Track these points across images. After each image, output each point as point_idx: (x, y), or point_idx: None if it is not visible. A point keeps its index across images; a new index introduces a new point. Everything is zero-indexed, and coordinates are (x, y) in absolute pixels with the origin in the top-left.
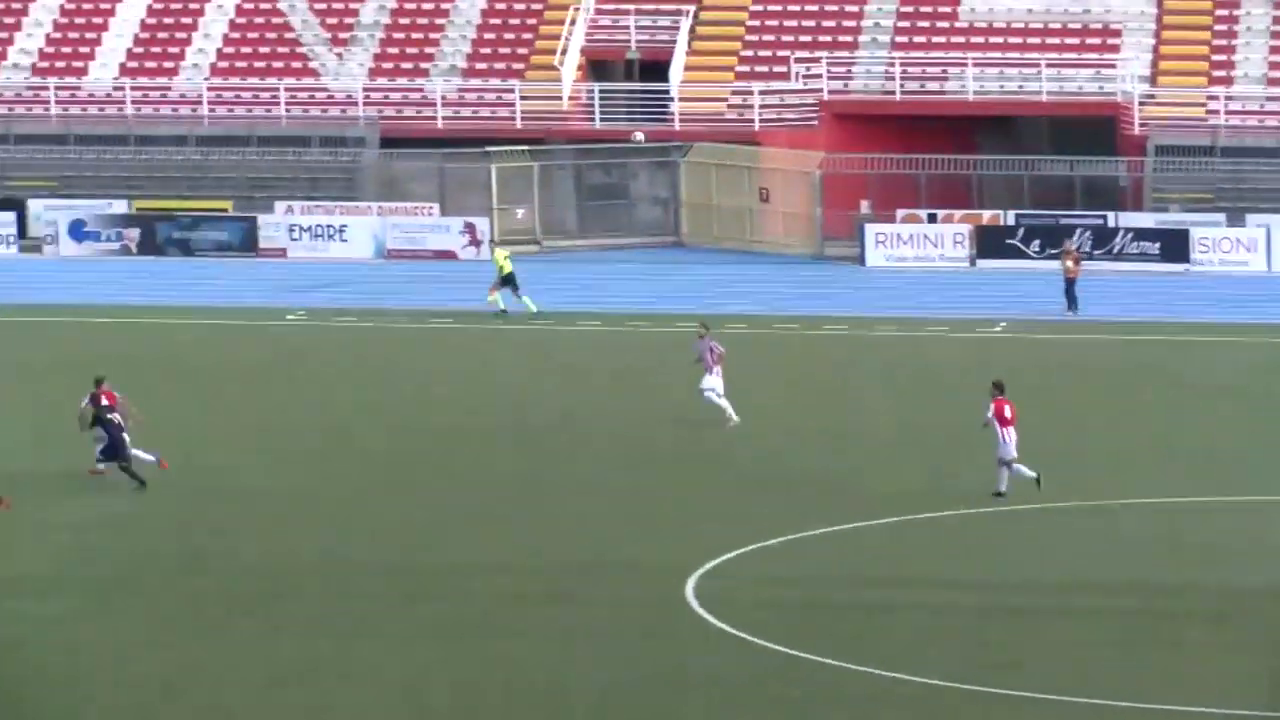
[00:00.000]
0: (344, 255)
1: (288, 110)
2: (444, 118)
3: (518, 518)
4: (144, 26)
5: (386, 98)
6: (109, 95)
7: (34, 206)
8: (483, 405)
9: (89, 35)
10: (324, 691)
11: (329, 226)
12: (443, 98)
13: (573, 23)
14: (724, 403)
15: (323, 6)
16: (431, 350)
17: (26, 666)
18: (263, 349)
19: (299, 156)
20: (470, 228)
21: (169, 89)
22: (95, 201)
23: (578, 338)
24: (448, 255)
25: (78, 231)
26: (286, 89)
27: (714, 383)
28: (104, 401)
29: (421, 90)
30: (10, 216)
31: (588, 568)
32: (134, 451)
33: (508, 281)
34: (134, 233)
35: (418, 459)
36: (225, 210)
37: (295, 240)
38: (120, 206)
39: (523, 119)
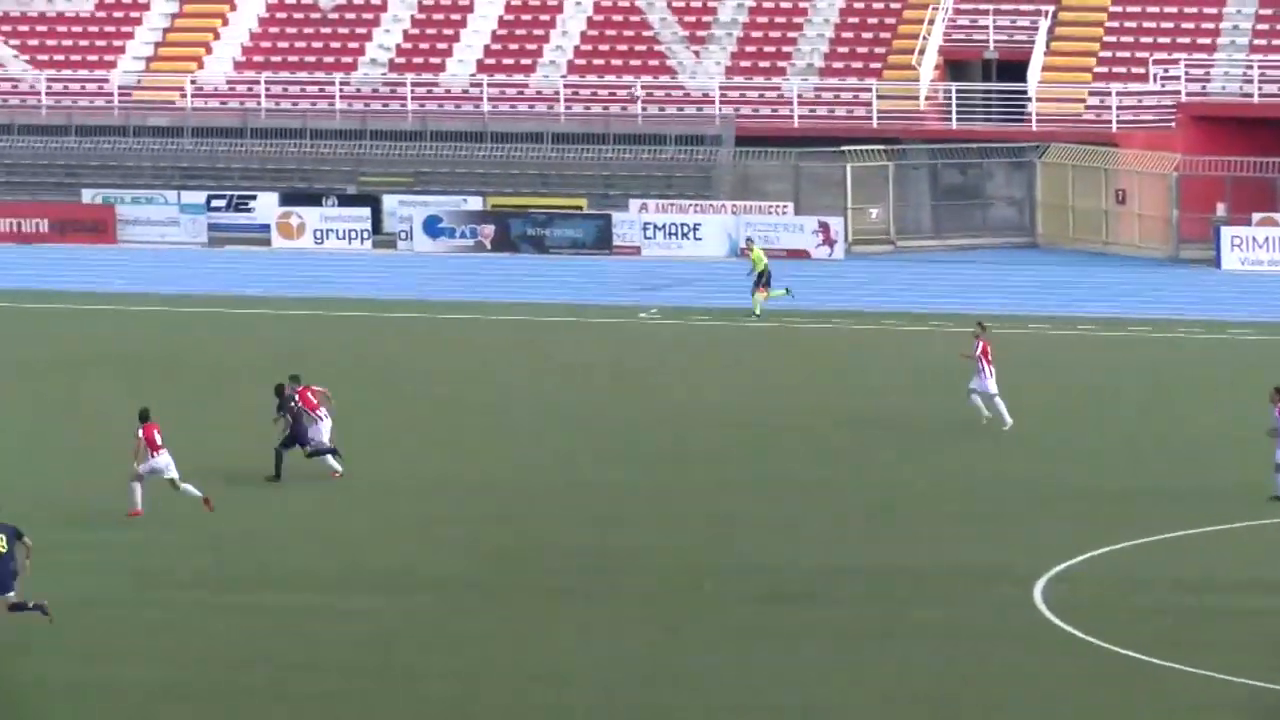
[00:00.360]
0: (697, 254)
1: (644, 108)
2: (800, 116)
3: (872, 520)
4: (501, 23)
5: (743, 96)
6: (465, 92)
7: (389, 202)
8: (828, 403)
9: (446, 32)
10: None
11: (683, 224)
12: (799, 97)
13: (931, 22)
14: (994, 404)
15: (681, 4)
16: (780, 348)
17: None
18: (614, 347)
19: (654, 155)
20: (824, 227)
21: (526, 86)
22: (449, 198)
23: (929, 338)
24: (801, 254)
25: (432, 227)
26: (643, 87)
27: (983, 383)
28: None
29: (778, 89)
30: (365, 212)
31: (938, 570)
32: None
33: (762, 278)
34: (489, 229)
35: (768, 456)
36: (579, 208)
37: (649, 238)
38: (475, 203)
39: (879, 118)
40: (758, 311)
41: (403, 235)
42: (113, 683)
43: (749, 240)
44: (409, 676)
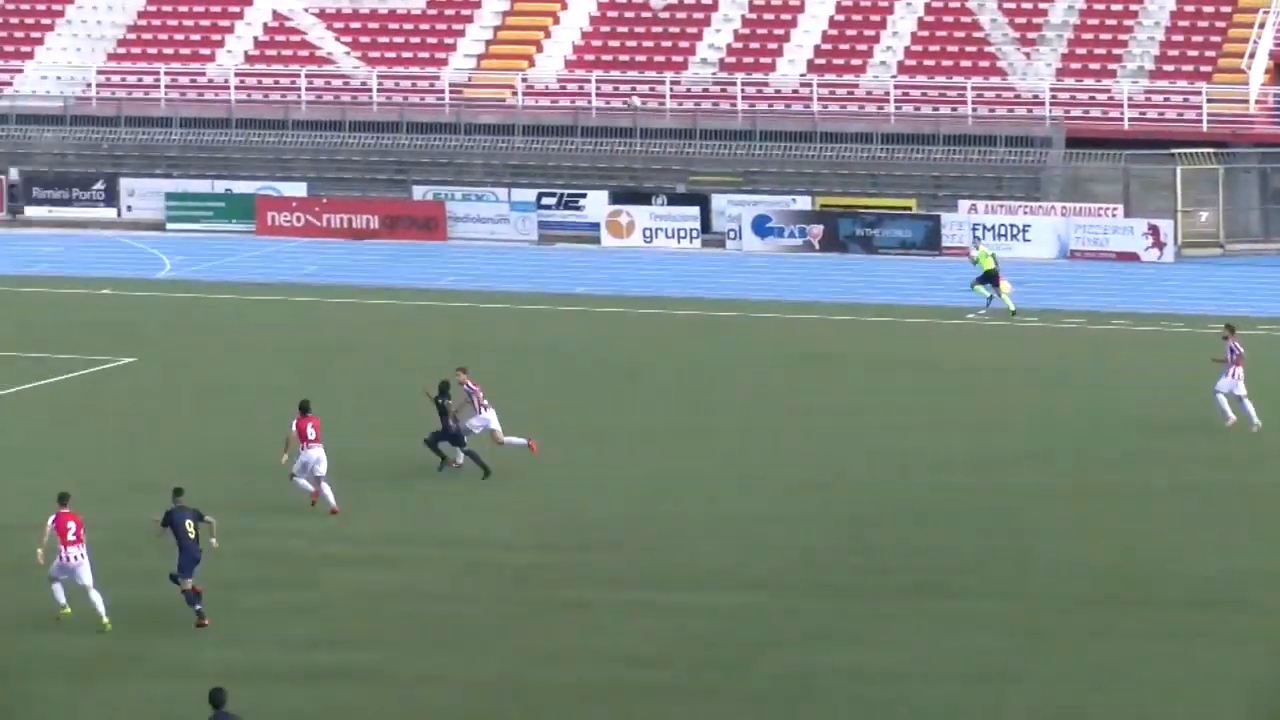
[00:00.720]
0: (1026, 255)
1: (974, 109)
2: (1130, 119)
3: (1196, 525)
4: (832, 24)
5: (1073, 98)
6: (795, 92)
7: (718, 202)
8: (1160, 408)
9: (777, 32)
10: None
11: (1012, 226)
12: (1129, 99)
13: (1261, 25)
14: (1234, 406)
15: (1012, 6)
16: (1103, 351)
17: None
18: (936, 347)
19: (984, 155)
20: (1153, 230)
21: (856, 86)
22: (778, 197)
23: (1262, 342)
24: (1130, 257)
25: (761, 227)
26: (973, 88)
27: (1228, 384)
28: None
29: (1108, 91)
30: (694, 211)
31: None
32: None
33: (989, 277)
34: (817, 229)
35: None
36: (909, 208)
37: (978, 239)
38: (804, 203)
39: (1208, 121)
40: (1013, 309)
41: (731, 234)
42: (456, 672)
43: (976, 239)
44: (792, 673)
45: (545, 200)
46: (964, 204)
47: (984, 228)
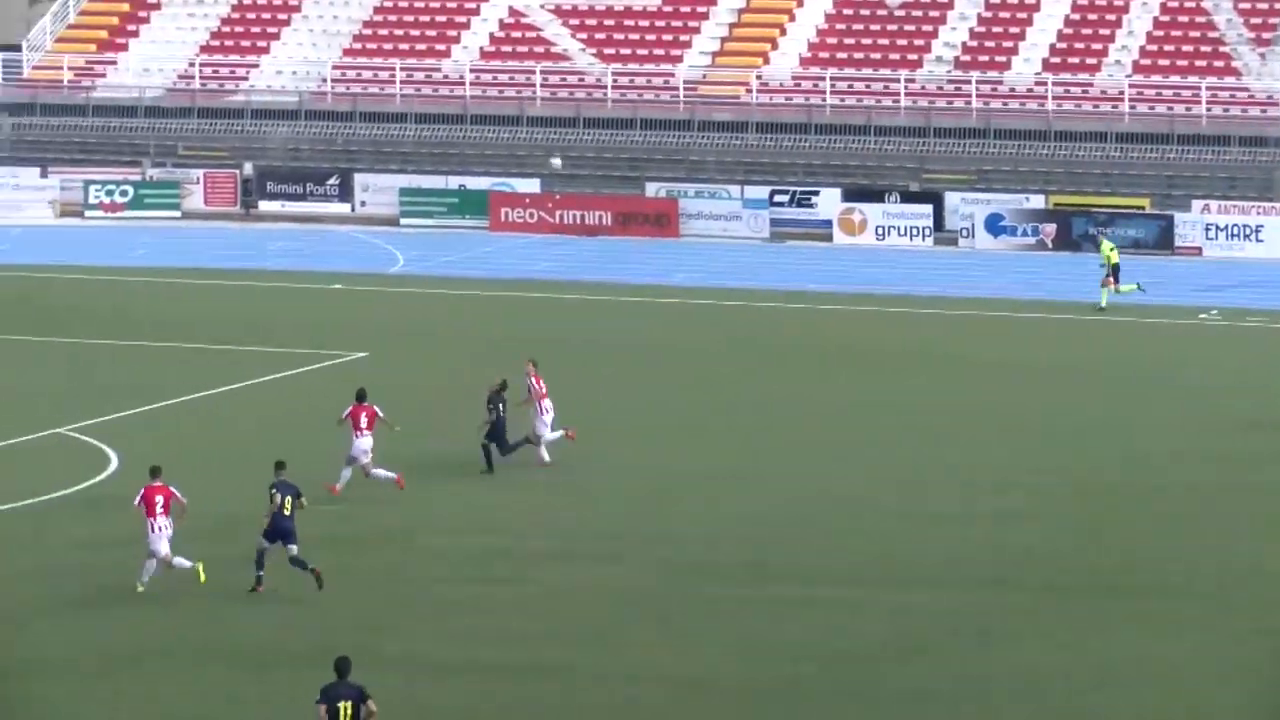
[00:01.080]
0: (1260, 255)
1: (1208, 109)
2: None
3: None
4: (1067, 22)
5: None
6: (1030, 90)
7: (951, 200)
8: None
9: (1013, 30)
10: None
11: (1245, 226)
12: None
13: None
14: None
15: (1247, 6)
16: None
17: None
18: (1166, 349)
19: (1217, 156)
20: None
21: (1090, 85)
22: (1012, 196)
23: None
24: None
25: (994, 225)
26: (1208, 88)
27: None
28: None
29: None
30: (927, 209)
31: None
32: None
33: (1115, 272)
34: (1050, 228)
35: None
36: (1142, 208)
37: (1210, 240)
38: (1037, 201)
39: None
40: (1104, 304)
41: (964, 233)
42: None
43: (1100, 232)
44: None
45: (778, 197)
46: (1197, 204)
47: (1216, 228)
